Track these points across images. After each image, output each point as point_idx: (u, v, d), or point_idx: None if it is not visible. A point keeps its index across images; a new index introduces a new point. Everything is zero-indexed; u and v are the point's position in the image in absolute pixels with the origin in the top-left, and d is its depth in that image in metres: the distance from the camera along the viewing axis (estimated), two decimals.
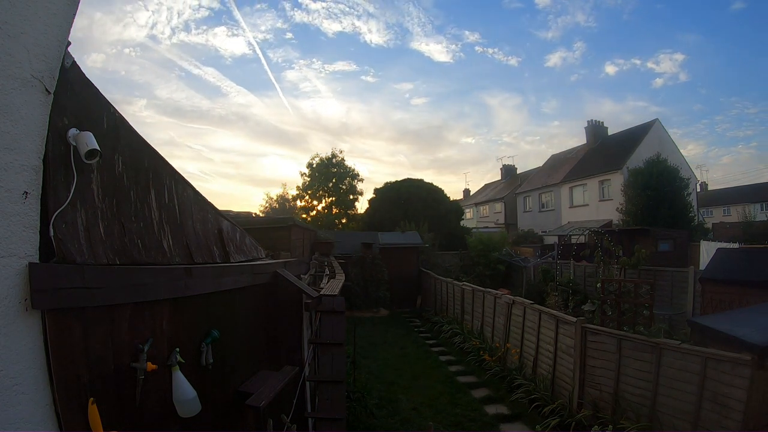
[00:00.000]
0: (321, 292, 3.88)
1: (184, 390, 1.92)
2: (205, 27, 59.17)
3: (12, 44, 1.21)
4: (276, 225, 7.61)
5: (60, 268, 1.35)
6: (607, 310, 6.16)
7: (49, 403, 1.30)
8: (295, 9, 59.59)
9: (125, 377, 1.66)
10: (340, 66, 68.09)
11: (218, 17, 61.87)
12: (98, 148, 1.52)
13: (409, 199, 20.96)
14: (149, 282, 1.81)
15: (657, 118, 24.24)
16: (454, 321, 10.55)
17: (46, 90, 1.35)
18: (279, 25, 59.71)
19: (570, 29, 65.35)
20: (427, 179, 24.47)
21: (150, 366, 1.73)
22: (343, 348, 3.20)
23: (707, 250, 12.26)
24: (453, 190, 70.74)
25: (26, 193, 1.26)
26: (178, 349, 1.97)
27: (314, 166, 28.29)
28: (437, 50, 67.66)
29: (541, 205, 29.82)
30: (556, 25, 63.35)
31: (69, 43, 1.46)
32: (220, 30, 58.48)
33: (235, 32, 58.34)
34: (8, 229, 1.20)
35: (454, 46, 68.02)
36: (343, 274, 7.13)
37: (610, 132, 28.75)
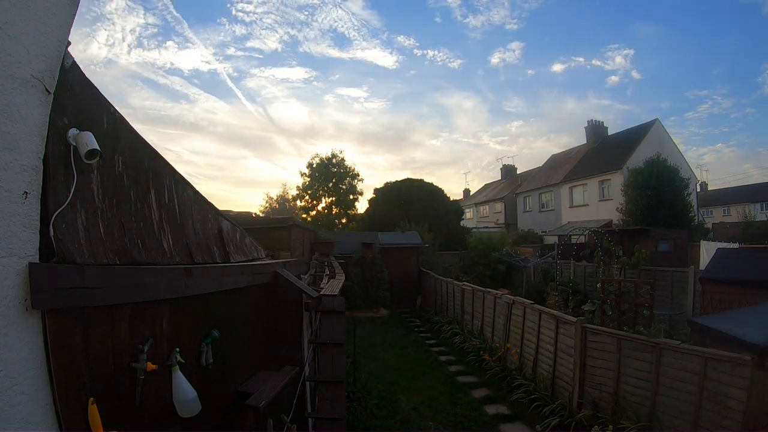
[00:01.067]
0: (321, 292, 3.88)
1: (184, 390, 1.92)
2: (156, 42, 62.25)
3: (12, 44, 1.21)
4: (276, 225, 7.61)
5: (60, 268, 1.35)
6: (607, 310, 6.16)
7: (49, 403, 1.30)
8: (236, 24, 61.11)
9: (125, 377, 1.66)
10: (295, 74, 69.58)
11: (167, 33, 64.89)
12: (98, 148, 1.52)
13: (409, 199, 20.96)
14: (149, 282, 1.81)
15: (657, 118, 24.27)
16: (454, 321, 10.55)
17: (46, 90, 1.35)
18: (223, 37, 62.20)
19: (510, 32, 66.98)
20: (426, 179, 24.41)
21: (150, 366, 1.73)
22: (343, 348, 3.20)
23: (707, 250, 12.26)
24: (451, 190, 71.17)
25: (26, 193, 1.26)
26: (178, 349, 1.97)
27: (314, 166, 28.30)
28: (380, 55, 69.50)
29: (541, 205, 29.82)
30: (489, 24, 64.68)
31: (69, 43, 1.46)
32: (171, 44, 61.72)
33: (188, 46, 60.76)
34: (8, 229, 1.19)
35: (395, 51, 69.95)
36: (343, 274, 7.13)
37: (610, 132, 28.78)
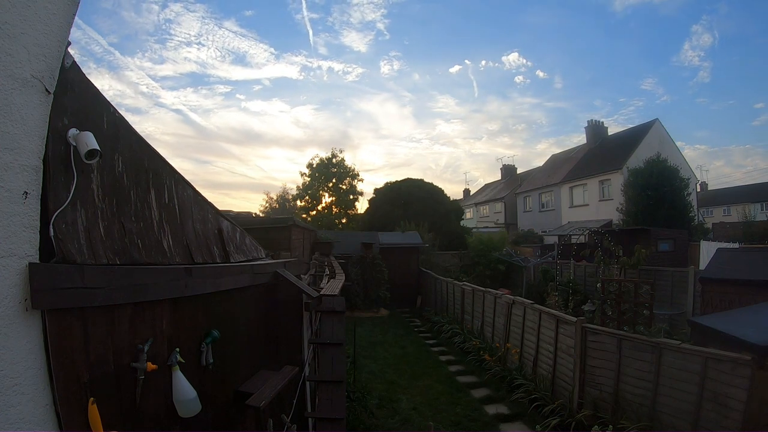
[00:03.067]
0: (321, 292, 3.88)
1: (184, 390, 1.92)
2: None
3: (12, 44, 1.21)
4: (276, 225, 7.60)
5: (60, 268, 1.35)
6: (607, 310, 6.17)
7: (49, 403, 1.30)
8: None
9: (125, 377, 1.66)
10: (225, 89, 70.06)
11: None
12: (98, 148, 1.52)
13: (409, 199, 20.96)
14: (149, 282, 1.81)
15: (657, 118, 24.29)
16: (454, 321, 10.55)
17: (46, 90, 1.35)
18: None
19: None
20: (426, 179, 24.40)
21: (150, 366, 1.73)
22: (343, 348, 3.20)
23: (707, 250, 12.27)
24: (451, 190, 71.32)
25: (26, 193, 1.26)
26: (178, 349, 1.97)
27: (314, 166, 28.32)
28: (289, 68, 70.26)
29: (541, 205, 29.82)
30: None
31: (69, 43, 1.46)
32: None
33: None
34: (8, 229, 1.19)
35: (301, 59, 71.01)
36: (343, 274, 7.12)
37: (610, 132, 28.79)
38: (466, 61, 77.44)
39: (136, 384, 1.70)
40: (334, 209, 27.84)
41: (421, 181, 23.00)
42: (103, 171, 1.71)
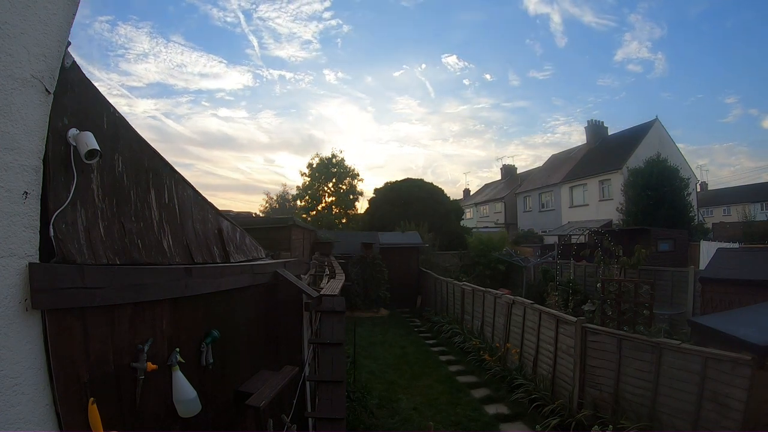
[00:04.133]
0: (321, 292, 3.87)
1: (184, 390, 1.92)
2: None
3: (12, 44, 1.21)
4: (276, 225, 7.60)
5: (60, 268, 1.35)
6: (607, 310, 6.16)
7: (49, 403, 1.30)
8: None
9: (125, 377, 1.66)
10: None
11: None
12: (98, 148, 1.52)
13: (409, 199, 20.96)
14: (149, 282, 1.81)
15: (657, 118, 24.25)
16: (454, 321, 10.54)
17: (46, 90, 1.35)
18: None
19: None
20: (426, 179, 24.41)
21: (150, 366, 1.73)
22: (343, 348, 3.20)
23: (707, 250, 12.26)
24: (451, 190, 71.02)
25: (26, 193, 1.26)
26: (178, 349, 1.97)
27: (314, 166, 28.32)
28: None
29: (541, 205, 29.83)
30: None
31: (69, 43, 1.46)
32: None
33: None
34: (8, 229, 1.19)
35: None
36: (344, 274, 7.12)
37: (610, 132, 28.78)
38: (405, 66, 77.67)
39: (136, 384, 1.70)
40: (334, 209, 27.84)
41: (421, 180, 23.02)
42: (103, 171, 1.71)
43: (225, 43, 77.36)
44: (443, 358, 8.69)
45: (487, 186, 43.96)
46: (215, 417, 2.45)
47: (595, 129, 28.89)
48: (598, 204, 23.76)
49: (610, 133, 28.75)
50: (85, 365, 1.45)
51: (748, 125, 71.95)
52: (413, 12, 72.95)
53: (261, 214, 31.84)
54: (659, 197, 17.60)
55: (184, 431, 2.02)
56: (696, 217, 21.18)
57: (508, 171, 39.82)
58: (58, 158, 1.43)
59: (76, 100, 1.56)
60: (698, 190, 27.95)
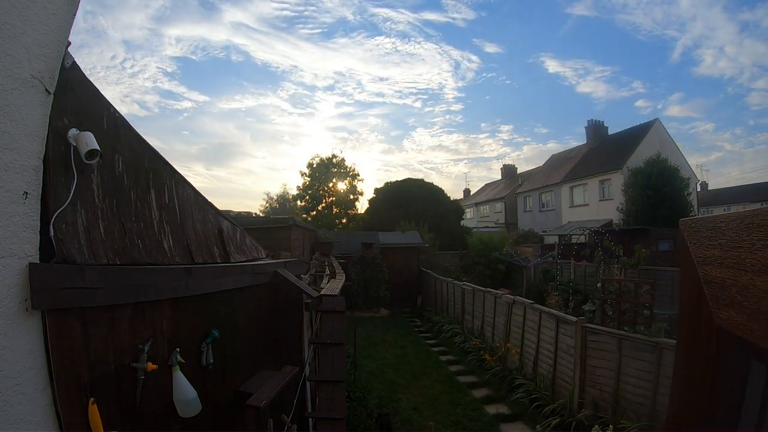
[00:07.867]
0: (321, 292, 3.88)
1: (184, 390, 1.92)
2: None
3: (12, 44, 1.21)
4: (276, 225, 7.61)
5: (60, 268, 1.35)
6: (607, 310, 6.16)
7: (49, 403, 1.29)
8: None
9: (126, 377, 1.66)
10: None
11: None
12: (98, 148, 1.52)
13: (409, 199, 20.97)
14: (149, 282, 1.81)
15: (657, 118, 24.28)
16: (455, 321, 10.55)
17: (46, 90, 1.35)
18: None
19: None
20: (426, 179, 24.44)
21: (150, 366, 1.73)
22: (343, 348, 3.20)
23: None
24: (451, 190, 69.96)
25: (26, 193, 1.26)
26: (178, 349, 1.97)
27: (314, 166, 28.30)
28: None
29: (541, 205, 29.81)
30: None
31: (69, 43, 1.46)
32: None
33: None
34: (8, 230, 1.19)
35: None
36: (344, 274, 7.13)
37: (611, 131, 28.76)
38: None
39: (136, 384, 1.70)
40: (334, 209, 27.83)
41: (422, 180, 23.05)
42: (103, 171, 1.71)
43: None
44: (443, 358, 8.69)
45: (487, 186, 43.96)
46: (215, 417, 2.45)
47: (595, 129, 28.87)
48: (598, 204, 23.75)
49: (610, 133, 28.74)
50: (85, 365, 1.45)
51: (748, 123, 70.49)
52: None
53: (261, 214, 31.84)
54: (659, 197, 17.60)
55: (184, 431, 2.02)
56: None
57: (508, 171, 39.82)
58: (58, 158, 1.43)
59: (76, 100, 1.56)
60: (698, 189, 27.93)
